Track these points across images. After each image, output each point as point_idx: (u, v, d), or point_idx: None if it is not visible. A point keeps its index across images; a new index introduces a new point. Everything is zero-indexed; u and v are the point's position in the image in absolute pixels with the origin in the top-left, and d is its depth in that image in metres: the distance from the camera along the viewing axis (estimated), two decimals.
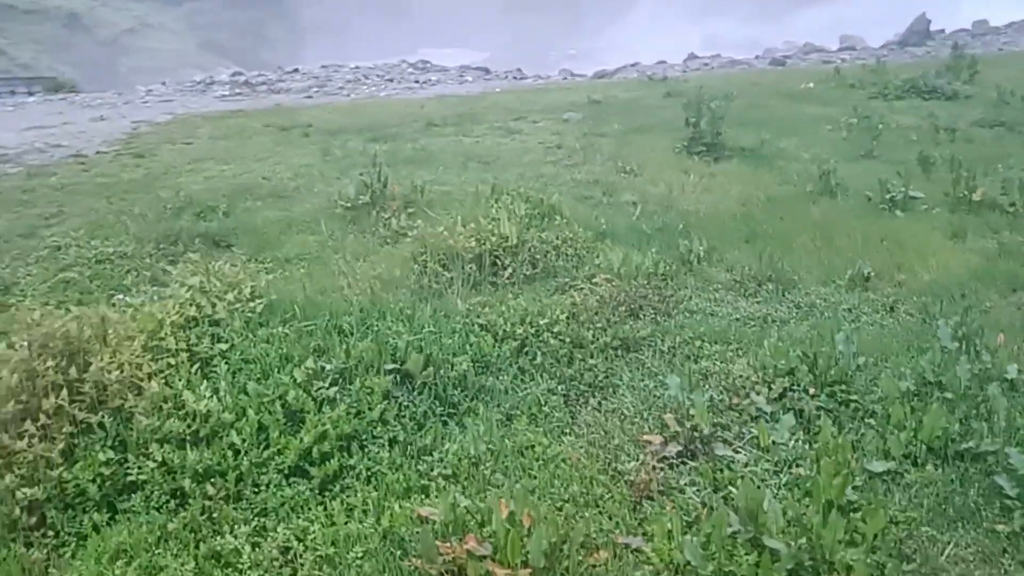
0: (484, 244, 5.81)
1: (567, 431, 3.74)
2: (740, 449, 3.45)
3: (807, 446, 3.40)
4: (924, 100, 12.66)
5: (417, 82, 18.63)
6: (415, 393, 3.93)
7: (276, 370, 3.90)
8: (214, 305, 4.27)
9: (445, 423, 3.77)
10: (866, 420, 3.63)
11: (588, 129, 10.78)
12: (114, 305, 4.35)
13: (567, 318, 4.66)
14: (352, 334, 4.30)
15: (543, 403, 3.95)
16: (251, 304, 4.42)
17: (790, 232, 6.46)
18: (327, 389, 3.75)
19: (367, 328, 4.39)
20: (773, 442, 3.43)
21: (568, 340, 4.47)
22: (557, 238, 6.06)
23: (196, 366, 3.86)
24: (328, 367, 3.88)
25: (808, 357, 3.92)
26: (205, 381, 3.77)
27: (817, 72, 16.51)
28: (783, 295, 5.21)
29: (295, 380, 3.76)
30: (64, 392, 3.39)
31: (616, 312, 4.86)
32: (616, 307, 4.93)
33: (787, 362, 3.97)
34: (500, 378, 4.13)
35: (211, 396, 3.63)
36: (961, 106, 12.00)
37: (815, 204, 7.27)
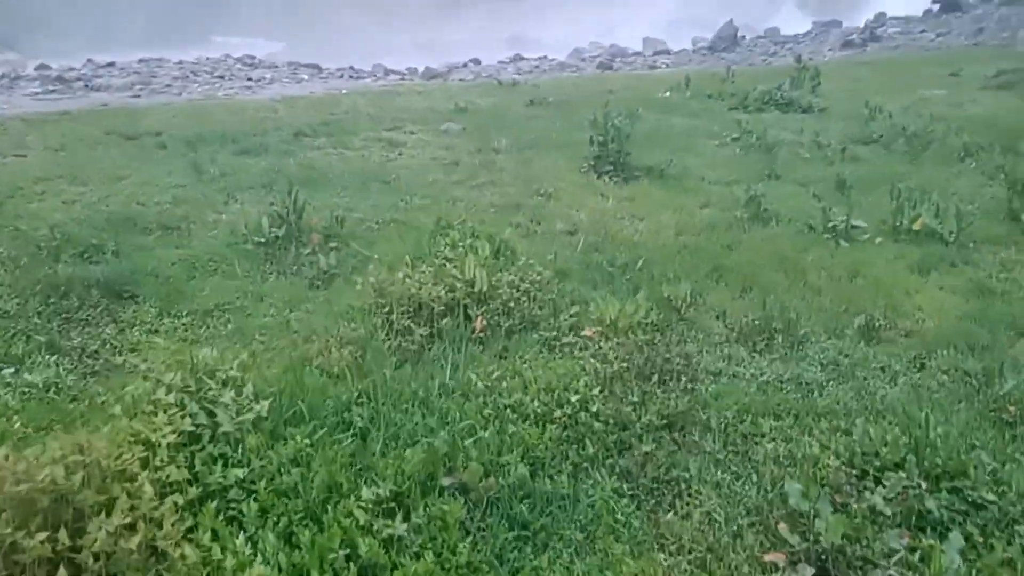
0: (454, 292, 5.11)
1: (656, 546, 3.18)
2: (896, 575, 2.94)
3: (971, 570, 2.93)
4: (784, 113, 12.85)
5: (251, 80, 17.27)
6: (483, 516, 3.22)
7: (323, 506, 3.05)
8: (213, 413, 3.33)
9: (518, 548, 3.11)
10: (1016, 529, 3.17)
11: (477, 144, 10.12)
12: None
13: (600, 392, 4.08)
14: (378, 430, 3.53)
15: (615, 509, 3.38)
16: (255, 406, 3.45)
17: (753, 267, 6.13)
18: (394, 526, 2.93)
19: (385, 421, 3.62)
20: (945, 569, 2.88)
21: (610, 421, 3.90)
22: (523, 280, 5.44)
23: (213, 505, 2.93)
24: (381, 492, 3.10)
25: (910, 442, 3.50)
26: (230, 527, 2.86)
27: (662, 79, 16.61)
28: (797, 350, 4.84)
29: (357, 522, 2.91)
30: None
31: (639, 378, 4.33)
32: (638, 373, 4.40)
33: (890, 449, 3.49)
34: (556, 478, 3.49)
35: (252, 553, 2.76)
36: (823, 120, 12.23)
37: (747, 232, 7.02)
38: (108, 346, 4.85)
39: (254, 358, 4.37)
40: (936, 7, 32.51)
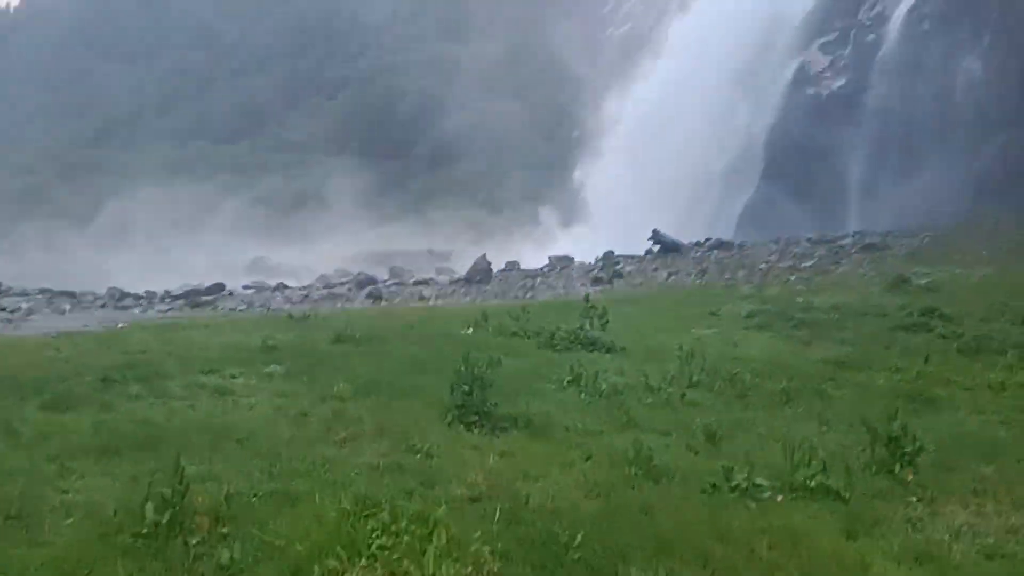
0: None
1: None
2: None
3: None
4: (590, 352, 13.11)
5: (6, 311, 15.32)
6: None
7: None
8: None
9: None
10: None
11: (314, 390, 9.30)
12: None
13: None
14: None
15: None
16: None
17: (692, 542, 5.75)
18: None
19: None
20: None
21: None
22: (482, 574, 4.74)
23: None
24: None
25: None
26: None
27: (455, 313, 16.65)
28: None
29: None
30: None
31: None
32: None
33: None
34: None
35: None
36: (630, 360, 12.57)
37: (641, 491, 6.75)
38: None
39: None
40: (657, 248, 35.96)
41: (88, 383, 8.98)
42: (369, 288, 26.14)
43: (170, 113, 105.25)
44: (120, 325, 14.40)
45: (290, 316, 15.98)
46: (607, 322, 14.93)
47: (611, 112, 64.38)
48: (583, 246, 41.03)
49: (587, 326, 14.32)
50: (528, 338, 13.75)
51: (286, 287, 27.55)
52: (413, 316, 16.66)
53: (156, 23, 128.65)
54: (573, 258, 38.14)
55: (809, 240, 35.39)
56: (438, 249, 58.20)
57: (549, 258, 38.70)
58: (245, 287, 34.17)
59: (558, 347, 13.11)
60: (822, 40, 50.36)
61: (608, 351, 13.12)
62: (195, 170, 76.78)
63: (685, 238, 37.57)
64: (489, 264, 29.30)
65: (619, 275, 27.12)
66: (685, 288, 24.90)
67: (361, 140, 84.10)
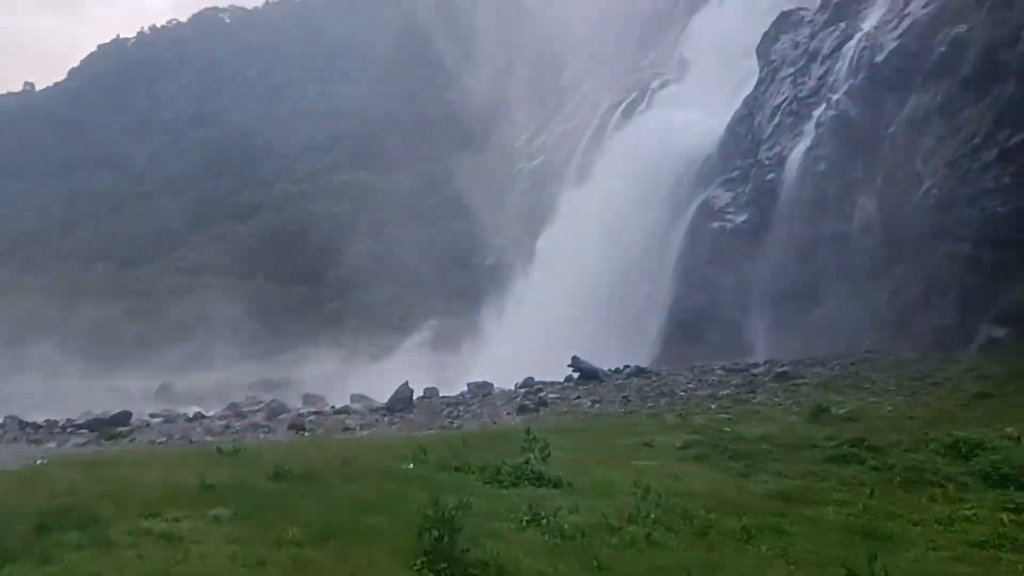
0: None
1: None
2: None
3: None
4: (537, 487, 12.78)
5: None
6: None
7: None
8: None
9: None
10: None
11: (267, 535, 8.72)
12: None
13: None
14: None
15: None
16: None
17: None
18: None
19: None
20: None
21: None
22: None
23: None
24: None
25: None
26: None
27: (389, 445, 16.10)
28: None
29: None
30: None
31: None
32: None
33: None
34: None
35: None
36: (580, 496, 12.28)
37: None
38: None
39: None
40: (576, 375, 36.04)
41: (20, 532, 8.23)
42: (290, 417, 25.32)
43: (75, 233, 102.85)
44: (39, 461, 13.41)
45: (219, 450, 15.17)
46: (548, 455, 14.66)
47: (524, 242, 65.64)
48: (496, 372, 40.75)
49: (531, 459, 14.01)
50: (472, 473, 13.34)
51: (203, 416, 26.44)
52: (346, 449, 16.04)
53: (64, 143, 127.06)
54: (492, 384, 37.89)
55: (723, 368, 36.00)
56: (347, 374, 57.22)
57: (468, 385, 38.34)
58: (153, 415, 32.79)
59: (505, 483, 12.75)
60: (723, 177, 52.63)
61: (556, 486, 12.82)
62: (99, 292, 74.55)
63: (599, 365, 37.74)
64: (411, 392, 28.79)
65: (543, 403, 26.92)
66: (612, 417, 24.82)
67: (272, 265, 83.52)
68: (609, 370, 36.52)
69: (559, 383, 35.56)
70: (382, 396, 34.85)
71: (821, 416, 22.97)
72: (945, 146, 39.42)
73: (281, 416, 27.60)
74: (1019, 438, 17.48)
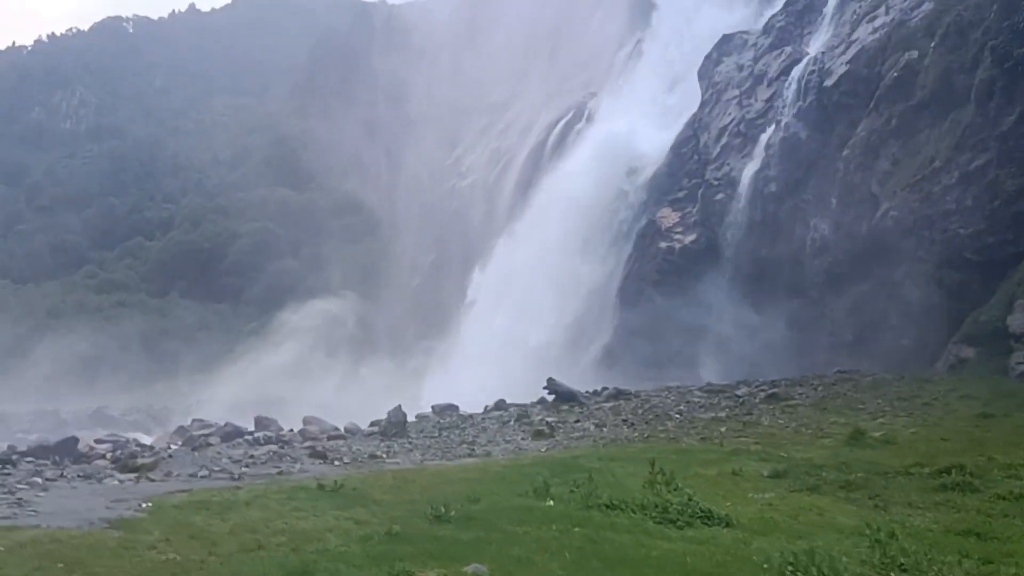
0: None
1: None
2: None
3: None
4: (710, 527, 10.82)
5: None
6: None
7: None
8: None
9: None
10: None
11: None
12: None
13: None
14: None
15: None
16: None
17: None
18: None
19: None
20: None
21: None
22: None
23: None
24: None
25: None
26: None
27: (460, 477, 13.67)
28: None
29: None
30: None
31: None
32: None
33: None
34: None
35: None
36: (768, 539, 10.39)
37: None
38: None
39: None
40: (552, 397, 34.07)
41: None
42: (311, 445, 22.52)
43: None
44: (144, 505, 10.59)
45: (320, 487, 12.49)
46: (676, 487, 12.74)
47: (458, 261, 63.78)
48: (440, 396, 38.27)
49: (662, 493, 12.05)
50: (632, 512, 11.20)
51: (208, 443, 23.38)
52: (436, 483, 13.65)
53: None
54: (457, 406, 35.83)
55: (701, 390, 34.72)
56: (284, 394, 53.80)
57: (432, 407, 36.02)
58: (99, 441, 29.58)
59: (679, 523, 10.71)
60: (671, 197, 51.83)
61: (727, 525, 10.88)
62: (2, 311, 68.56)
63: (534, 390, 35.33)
64: (405, 415, 26.28)
65: (552, 428, 24.88)
66: (643, 442, 22.91)
67: (187, 282, 78.57)
68: (587, 392, 34.71)
69: (534, 404, 33.67)
70: (336, 418, 32.49)
71: (861, 440, 21.71)
72: (902, 169, 39.39)
73: (297, 444, 24.58)
74: None
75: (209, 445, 26.59)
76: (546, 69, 66.58)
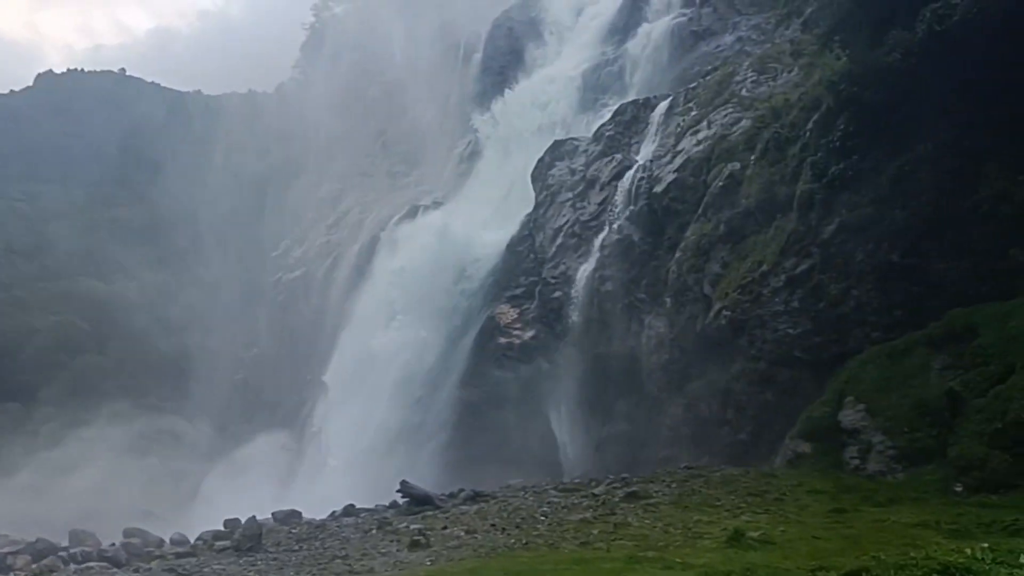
0: None
1: None
2: None
3: None
4: None
5: None
6: None
7: None
8: None
9: None
10: None
11: None
12: None
13: None
14: None
15: None
16: None
17: None
18: None
19: None
20: None
21: None
22: None
23: None
24: None
25: None
26: None
27: None
28: None
29: None
30: None
31: None
32: None
33: None
34: None
35: None
36: None
37: None
38: None
39: None
40: (405, 500, 32.18)
41: None
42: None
43: None
44: None
45: None
46: None
47: (285, 354, 61.06)
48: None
49: None
50: None
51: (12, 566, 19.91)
52: None
53: None
54: (301, 512, 33.42)
55: (556, 489, 33.78)
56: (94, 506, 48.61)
57: (272, 514, 33.25)
58: None
59: None
60: (509, 294, 51.82)
61: None
62: None
63: (388, 492, 33.57)
64: (261, 528, 23.70)
65: (426, 536, 23.08)
66: (515, 549, 21.51)
67: None
68: (443, 495, 33.02)
69: (388, 508, 31.75)
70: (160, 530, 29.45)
71: (742, 541, 21.31)
72: (732, 271, 40.93)
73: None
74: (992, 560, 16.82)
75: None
76: (378, 164, 66.03)
